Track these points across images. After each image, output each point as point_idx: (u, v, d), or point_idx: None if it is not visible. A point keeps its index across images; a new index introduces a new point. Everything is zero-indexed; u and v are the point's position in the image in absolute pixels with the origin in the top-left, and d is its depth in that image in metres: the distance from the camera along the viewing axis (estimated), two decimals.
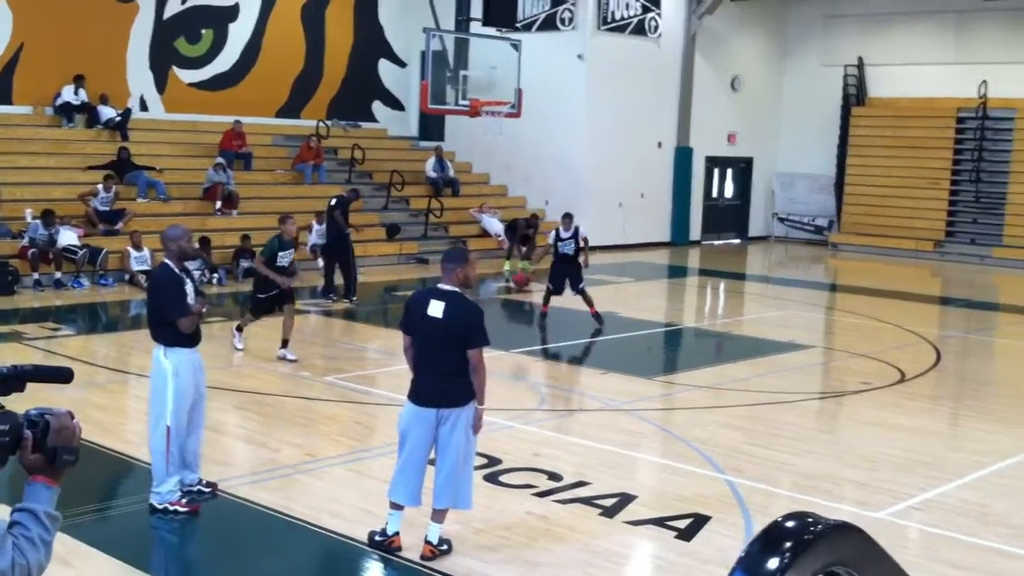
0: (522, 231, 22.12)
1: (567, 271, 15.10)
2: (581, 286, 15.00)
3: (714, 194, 29.32)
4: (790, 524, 2.12)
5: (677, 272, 23.81)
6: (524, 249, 21.49)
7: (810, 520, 2.10)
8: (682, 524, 7.20)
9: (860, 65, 28.70)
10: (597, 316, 14.88)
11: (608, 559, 6.72)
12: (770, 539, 2.07)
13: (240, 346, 12.47)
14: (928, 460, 9.13)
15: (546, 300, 15.53)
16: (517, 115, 21.76)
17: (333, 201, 17.13)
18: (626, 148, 25.69)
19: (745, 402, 10.93)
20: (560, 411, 10.71)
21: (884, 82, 28.48)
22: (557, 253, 15.24)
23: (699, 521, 7.26)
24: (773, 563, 1.98)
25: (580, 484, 7.99)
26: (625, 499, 7.67)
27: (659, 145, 26.82)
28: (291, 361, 11.92)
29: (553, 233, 15.50)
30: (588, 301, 14.94)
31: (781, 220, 30.21)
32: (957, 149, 27.32)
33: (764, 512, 7.41)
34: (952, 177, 27.27)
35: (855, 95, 28.88)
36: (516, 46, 21.57)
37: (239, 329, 12.59)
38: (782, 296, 19.46)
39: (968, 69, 26.75)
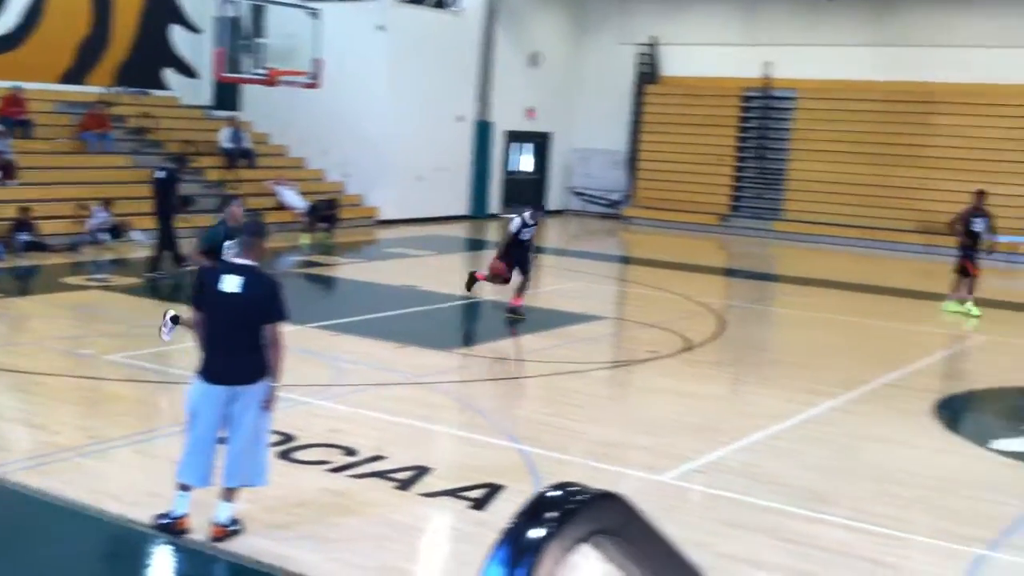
0: (322, 212, 22.21)
1: (522, 257, 14.22)
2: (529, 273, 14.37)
3: (513, 168, 29.70)
4: (554, 494, 2.18)
5: (476, 245, 24.04)
6: (324, 224, 21.26)
7: (574, 490, 2.16)
8: (476, 494, 7.32)
9: (654, 44, 29.56)
10: (516, 310, 14.07)
11: (402, 532, 6.76)
12: (534, 510, 2.12)
13: (167, 337, 10.69)
14: (710, 424, 9.56)
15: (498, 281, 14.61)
16: (315, 86, 21.42)
17: (162, 174, 16.24)
18: (427, 121, 25.67)
19: (540, 372, 11.16)
20: (356, 385, 10.67)
21: (677, 61, 29.44)
22: (517, 239, 14.16)
23: (493, 491, 7.39)
24: (537, 533, 2.02)
25: (376, 459, 7.99)
26: (421, 472, 7.73)
27: (459, 119, 26.93)
28: None
29: (518, 220, 14.18)
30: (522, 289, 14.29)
31: (578, 194, 30.88)
32: (742, 127, 28.54)
33: (555, 479, 7.59)
34: (737, 154, 28.50)
35: (649, 73, 29.74)
36: (315, 15, 21.20)
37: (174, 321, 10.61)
38: (576, 268, 19.93)
39: (754, 50, 27.97)
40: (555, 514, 2.06)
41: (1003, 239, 24.00)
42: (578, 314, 14.69)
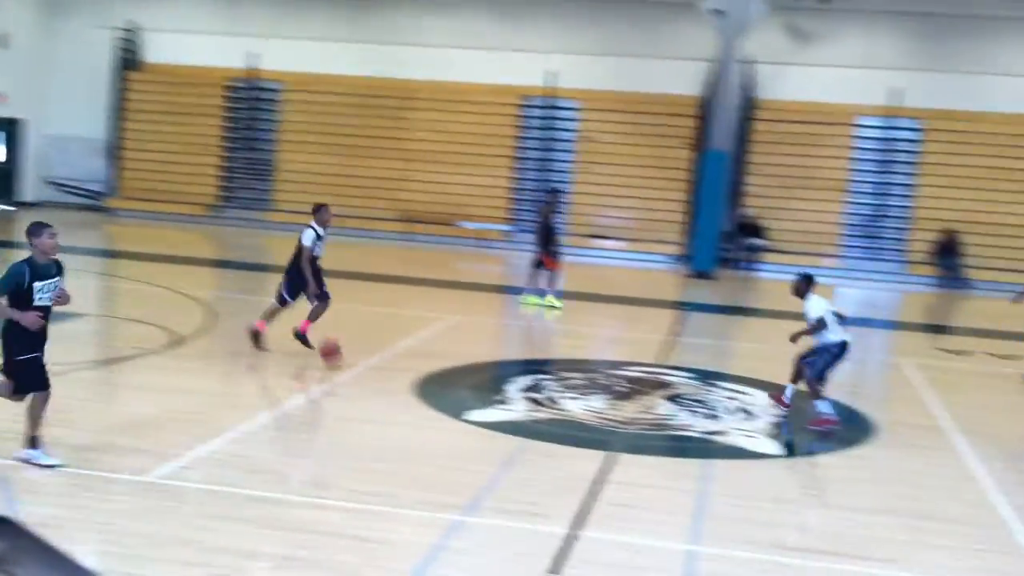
0: None
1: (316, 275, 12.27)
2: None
3: None
4: None
5: None
6: None
7: None
8: None
9: (133, 29, 28.37)
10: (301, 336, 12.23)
11: None
12: None
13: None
14: (199, 419, 9.39)
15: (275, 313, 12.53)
16: None
17: None
18: None
19: None
20: None
21: (161, 48, 28.52)
22: (312, 255, 12.12)
23: None
24: None
25: None
26: None
27: None
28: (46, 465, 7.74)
29: (311, 232, 12.13)
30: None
31: (55, 185, 28.91)
32: (230, 117, 28.28)
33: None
34: (225, 144, 28.21)
35: (130, 59, 28.51)
36: None
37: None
38: None
39: (240, 41, 27.81)
40: None
41: (473, 226, 26.19)
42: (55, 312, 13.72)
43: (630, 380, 12.31)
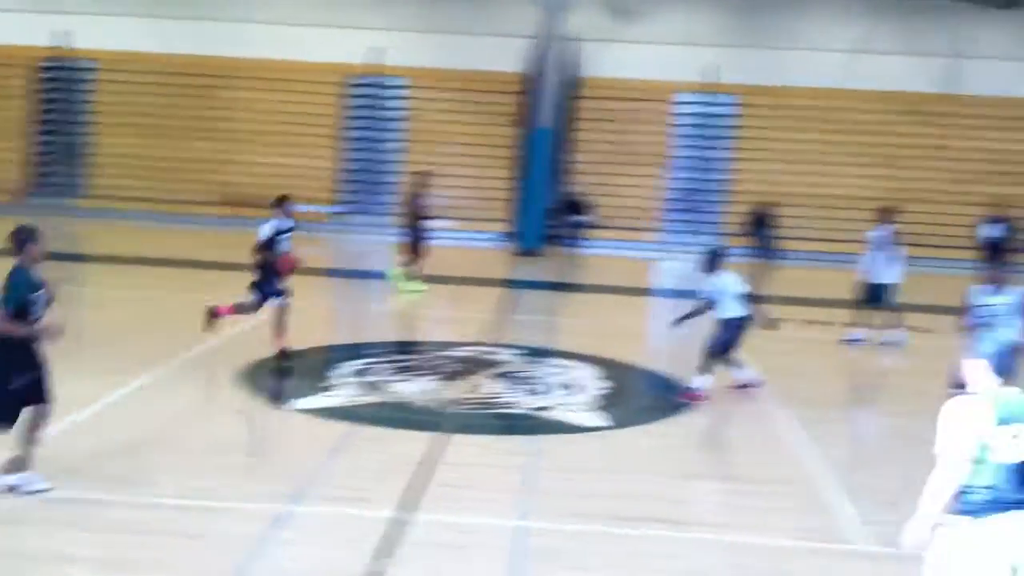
0: None
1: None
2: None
3: None
4: None
5: None
6: None
7: None
8: None
9: None
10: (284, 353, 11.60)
11: None
12: None
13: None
14: None
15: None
16: None
17: None
18: None
19: None
20: None
21: None
22: (272, 248, 11.53)
23: None
24: None
25: None
26: None
27: None
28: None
29: (271, 225, 11.54)
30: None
31: None
32: (41, 99, 27.01)
33: None
34: (35, 128, 26.94)
35: None
36: None
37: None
38: None
39: (49, 17, 26.54)
40: None
41: (299, 208, 25.76)
42: None
43: (459, 360, 12.38)
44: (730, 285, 11.08)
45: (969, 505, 4.82)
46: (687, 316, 11.36)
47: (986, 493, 4.77)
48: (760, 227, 25.75)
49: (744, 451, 9.50)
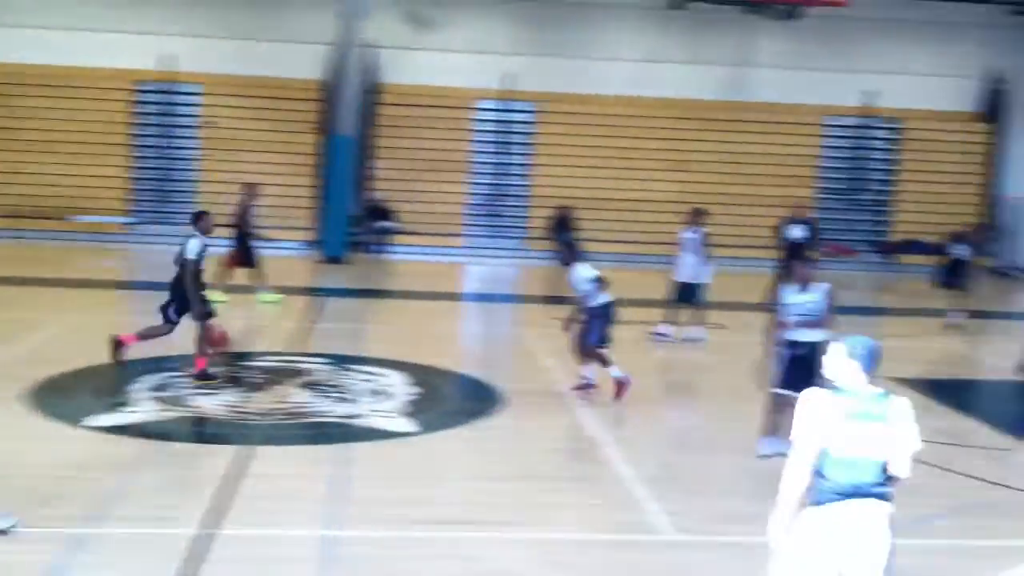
0: None
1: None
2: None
3: None
4: None
5: None
6: None
7: None
8: None
9: None
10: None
11: None
12: None
13: None
14: None
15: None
16: None
17: None
18: None
19: None
20: None
21: None
22: (197, 269, 11.14)
23: None
24: None
25: None
26: None
27: None
28: None
29: (199, 243, 11.15)
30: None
31: None
32: None
33: None
34: None
35: None
36: None
37: None
38: None
39: None
40: None
41: (87, 219, 24.75)
42: None
43: (264, 371, 12.11)
44: (588, 274, 11.40)
45: (817, 494, 4.98)
46: (571, 318, 11.69)
47: (830, 484, 4.93)
48: (561, 231, 26.31)
49: (553, 450, 9.65)
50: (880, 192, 28.05)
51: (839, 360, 4.99)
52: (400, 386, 11.57)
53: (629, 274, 24.34)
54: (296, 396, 11.01)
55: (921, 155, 27.40)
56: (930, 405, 11.50)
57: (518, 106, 27.22)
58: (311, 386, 11.46)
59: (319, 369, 12.30)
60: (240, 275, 16.75)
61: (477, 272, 23.98)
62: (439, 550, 7.04)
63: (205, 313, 11.37)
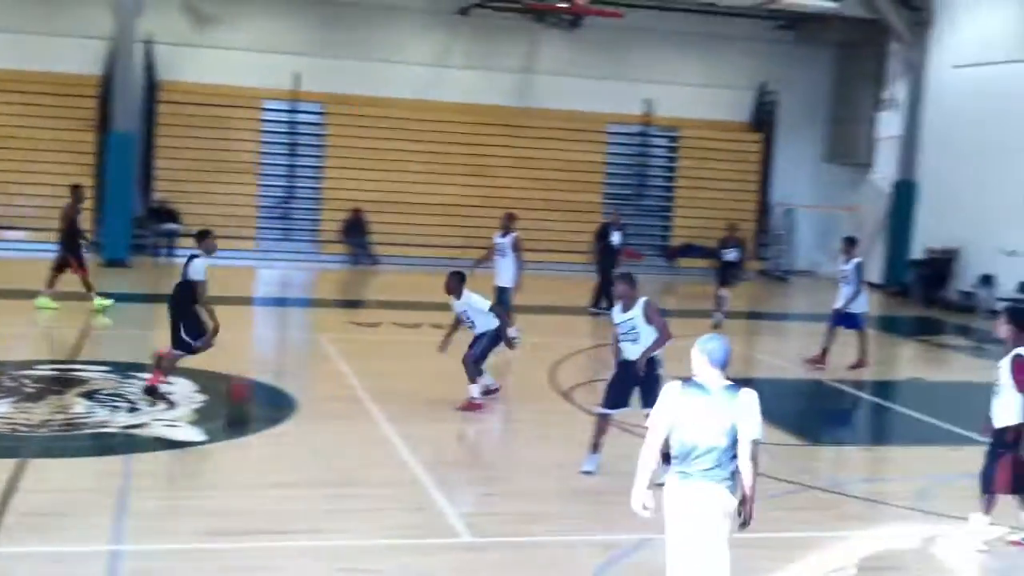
0: None
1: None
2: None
3: None
4: None
5: None
6: None
7: None
8: None
9: None
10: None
11: None
12: None
13: None
14: None
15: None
16: None
17: None
18: None
19: None
20: None
21: None
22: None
23: None
24: None
25: None
26: None
27: None
28: None
29: (203, 263, 10.92)
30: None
31: None
32: None
33: None
34: None
35: None
36: None
37: None
38: None
39: None
40: None
41: None
42: None
43: (40, 380, 11.55)
44: (480, 303, 11.37)
45: (670, 473, 5.58)
46: (449, 334, 11.71)
47: (676, 462, 5.53)
48: (354, 234, 26.17)
49: (344, 456, 9.60)
50: (662, 198, 29.17)
51: (694, 356, 5.55)
52: (187, 394, 11.25)
53: (423, 278, 24.50)
54: (76, 406, 10.55)
55: (698, 163, 28.68)
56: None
57: (307, 107, 26.89)
58: (91, 395, 11.01)
59: (100, 377, 11.83)
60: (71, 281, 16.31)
61: (269, 276, 23.55)
62: (229, 562, 6.92)
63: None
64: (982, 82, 23.81)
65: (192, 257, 11.13)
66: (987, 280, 23.02)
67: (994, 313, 21.88)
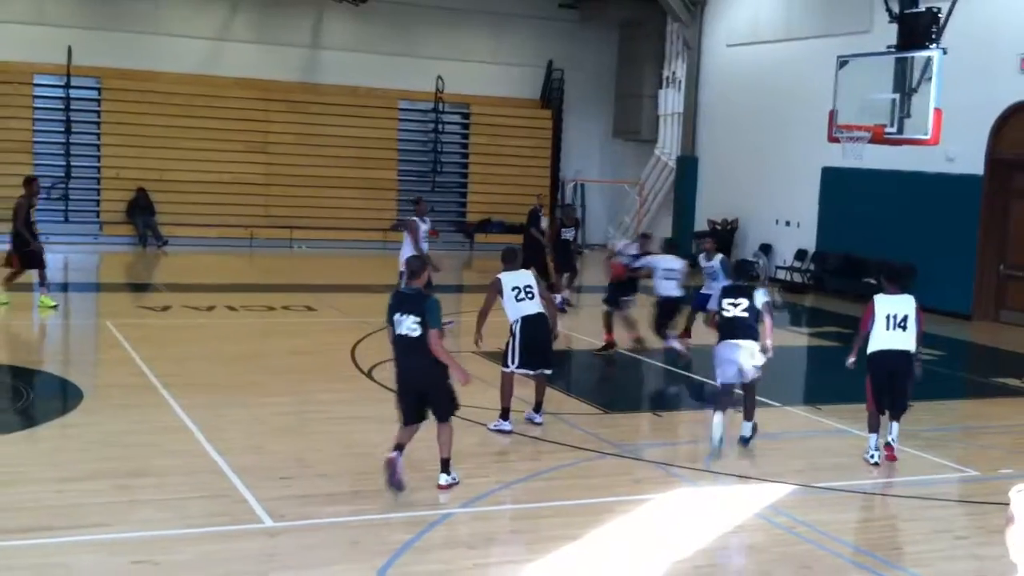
0: None
1: None
2: None
3: None
4: None
5: None
6: None
7: None
8: None
9: None
10: None
11: None
12: None
13: None
14: None
15: None
16: None
17: None
18: None
19: None
20: None
21: None
22: None
23: None
24: None
25: None
26: None
27: None
28: None
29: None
30: None
31: None
32: None
33: None
34: None
35: None
36: None
37: None
38: None
39: None
40: None
41: None
42: None
43: None
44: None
45: None
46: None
47: None
48: (139, 214, 25.17)
49: (138, 445, 9.27)
50: (458, 175, 29.35)
51: None
52: None
53: (213, 258, 23.90)
54: None
55: (491, 139, 29.01)
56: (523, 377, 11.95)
57: (82, 82, 25.62)
58: None
59: None
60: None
61: (49, 259, 22.35)
62: (19, 560, 6.60)
63: None
64: (754, 60, 24.99)
65: None
66: (766, 249, 24.24)
67: (774, 280, 23.14)
